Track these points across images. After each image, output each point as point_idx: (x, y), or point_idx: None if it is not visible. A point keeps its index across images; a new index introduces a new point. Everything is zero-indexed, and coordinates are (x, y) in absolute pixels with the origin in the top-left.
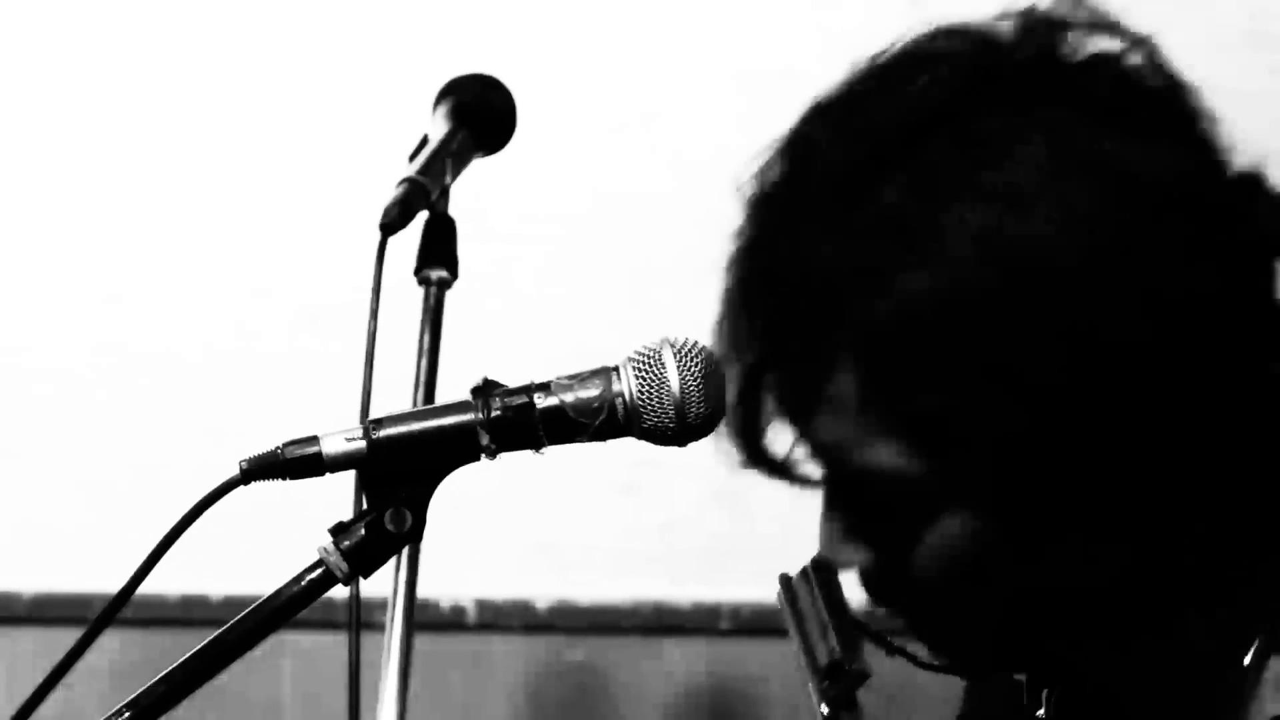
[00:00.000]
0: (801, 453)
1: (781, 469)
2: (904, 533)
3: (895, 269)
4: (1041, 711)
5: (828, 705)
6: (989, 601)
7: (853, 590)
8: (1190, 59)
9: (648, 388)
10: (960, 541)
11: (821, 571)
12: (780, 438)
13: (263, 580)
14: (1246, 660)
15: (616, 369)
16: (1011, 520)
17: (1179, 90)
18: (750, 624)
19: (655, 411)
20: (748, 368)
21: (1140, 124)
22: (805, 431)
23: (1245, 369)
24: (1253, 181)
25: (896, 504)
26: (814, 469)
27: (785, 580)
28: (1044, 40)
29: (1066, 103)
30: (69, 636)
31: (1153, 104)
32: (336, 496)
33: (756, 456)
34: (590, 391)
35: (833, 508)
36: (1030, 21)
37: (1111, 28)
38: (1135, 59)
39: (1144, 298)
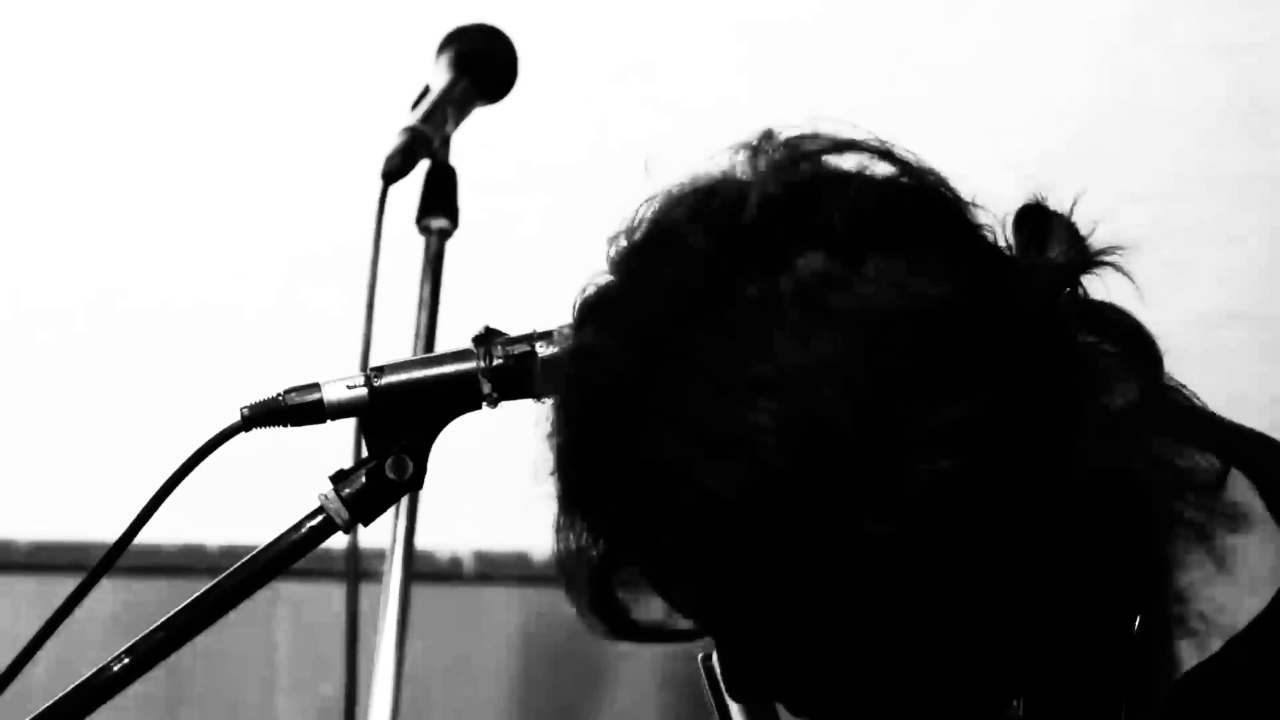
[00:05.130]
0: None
1: (654, 634)
2: (775, 673)
3: (692, 469)
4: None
5: None
6: (872, 706)
7: None
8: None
9: None
10: (820, 672)
11: None
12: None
13: (260, 529)
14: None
15: None
16: (861, 650)
17: (929, 191)
18: None
19: None
20: (594, 562)
21: (889, 247)
22: (668, 602)
23: (1058, 469)
24: (1034, 218)
25: (760, 652)
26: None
27: (705, 660)
28: (780, 180)
29: (812, 244)
30: (66, 584)
31: (900, 219)
32: (334, 447)
33: (625, 631)
34: None
35: (719, 650)
36: (766, 161)
37: (849, 145)
38: (882, 169)
39: (937, 433)
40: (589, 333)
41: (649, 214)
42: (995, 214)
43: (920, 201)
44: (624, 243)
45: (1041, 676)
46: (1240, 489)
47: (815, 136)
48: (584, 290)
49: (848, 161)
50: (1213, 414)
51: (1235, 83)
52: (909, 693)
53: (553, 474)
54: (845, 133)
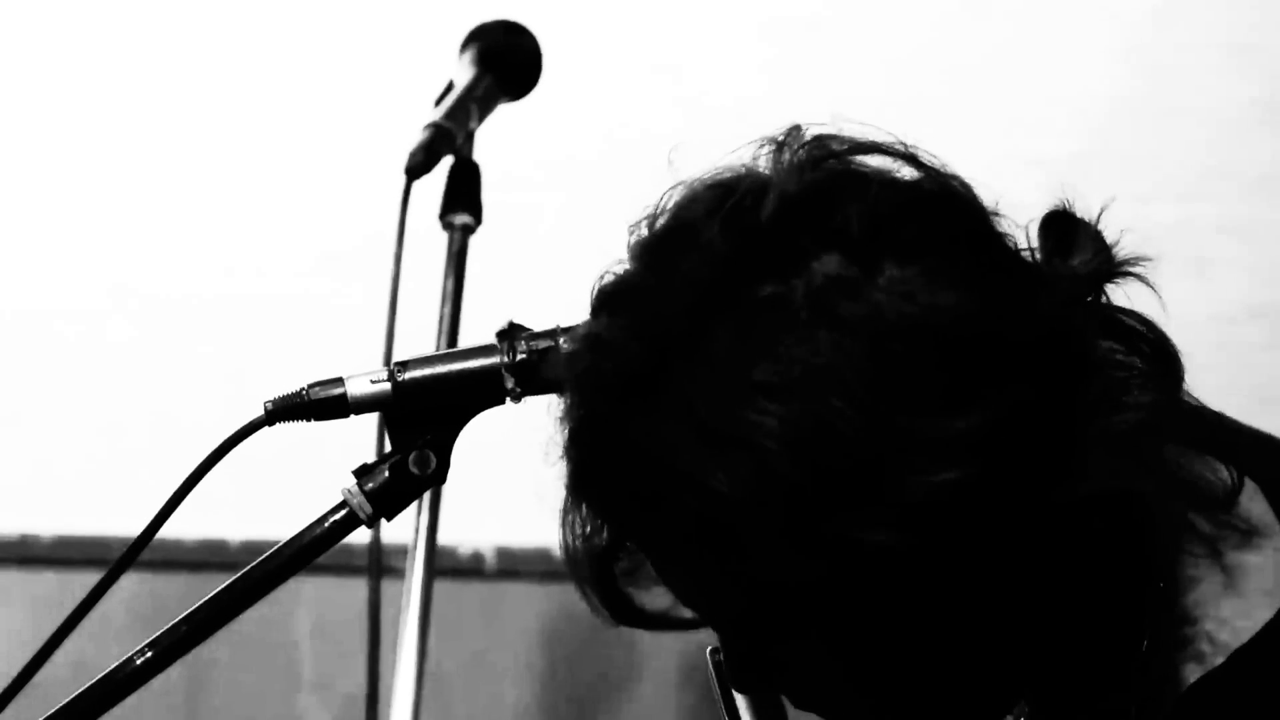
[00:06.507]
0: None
1: (659, 621)
2: (773, 668)
3: (696, 466)
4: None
5: None
6: (867, 704)
7: None
8: None
9: None
10: (814, 670)
11: None
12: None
13: (282, 524)
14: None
15: None
16: (853, 653)
17: (951, 198)
18: None
19: None
20: (597, 547)
21: (906, 253)
22: (669, 589)
23: (1061, 486)
24: (1059, 225)
25: (755, 647)
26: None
27: (714, 653)
28: (800, 180)
29: (829, 247)
30: (88, 579)
31: (919, 226)
32: (355, 443)
33: (627, 617)
34: None
35: (720, 641)
36: (789, 159)
37: (873, 148)
38: (905, 173)
39: (938, 444)
40: (603, 322)
41: (670, 205)
42: (1018, 220)
43: (941, 208)
44: (644, 232)
45: (1042, 690)
46: (1255, 500)
47: (839, 137)
48: (603, 276)
49: (872, 163)
50: (1230, 421)
51: (1256, 80)
52: (902, 697)
53: (562, 457)
54: (870, 134)
